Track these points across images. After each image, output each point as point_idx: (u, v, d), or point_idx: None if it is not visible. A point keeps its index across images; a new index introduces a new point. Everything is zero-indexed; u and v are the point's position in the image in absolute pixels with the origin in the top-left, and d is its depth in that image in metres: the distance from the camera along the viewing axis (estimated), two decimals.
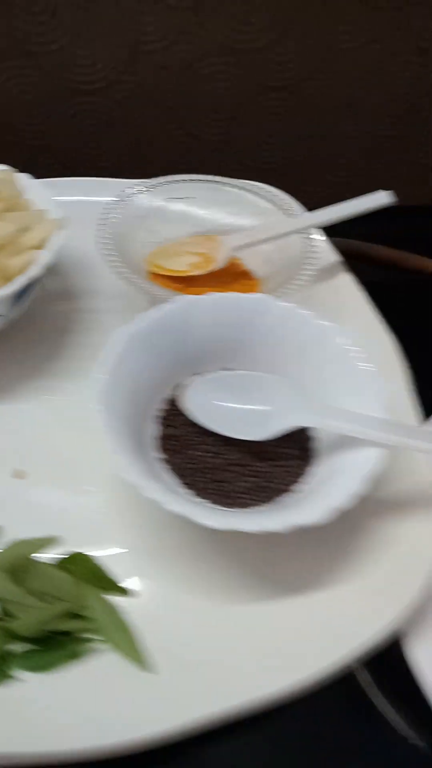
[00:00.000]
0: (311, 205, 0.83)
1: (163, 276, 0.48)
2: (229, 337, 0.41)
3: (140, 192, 0.48)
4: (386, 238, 0.73)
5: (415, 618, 0.35)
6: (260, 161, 0.78)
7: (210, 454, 0.38)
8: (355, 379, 0.38)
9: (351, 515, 0.37)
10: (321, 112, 0.73)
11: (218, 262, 0.48)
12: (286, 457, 0.38)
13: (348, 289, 0.49)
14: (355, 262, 0.71)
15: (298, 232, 0.47)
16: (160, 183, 0.49)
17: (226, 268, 0.49)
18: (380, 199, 0.48)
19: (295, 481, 0.37)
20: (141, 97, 0.70)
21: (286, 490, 0.37)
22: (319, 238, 0.51)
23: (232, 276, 0.49)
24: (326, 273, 0.51)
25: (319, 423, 0.36)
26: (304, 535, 0.35)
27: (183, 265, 0.48)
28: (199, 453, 0.38)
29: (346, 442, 0.36)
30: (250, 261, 0.50)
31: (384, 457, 0.34)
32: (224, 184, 0.50)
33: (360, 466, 0.34)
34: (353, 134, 0.76)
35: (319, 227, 0.48)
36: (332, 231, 0.73)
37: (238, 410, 0.38)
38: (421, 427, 0.37)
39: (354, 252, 0.71)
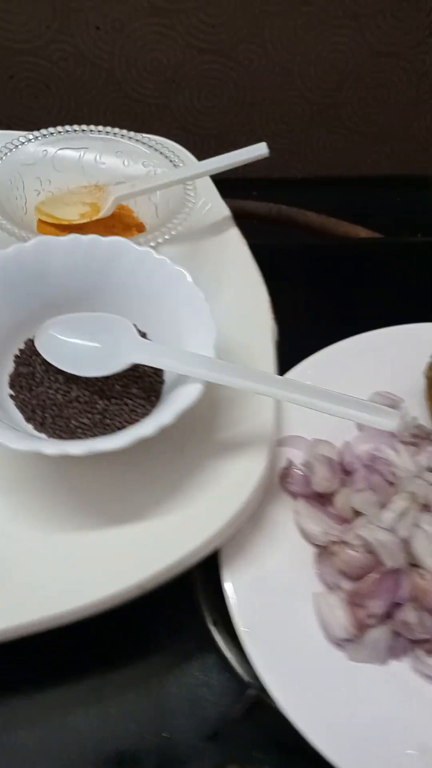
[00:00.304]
0: (253, 172, 0.84)
1: (52, 225, 0.49)
2: (88, 279, 0.42)
3: (29, 141, 0.49)
4: (320, 206, 0.74)
5: (230, 553, 0.36)
6: (201, 127, 0.78)
7: (56, 391, 0.39)
8: (194, 321, 0.39)
9: (192, 451, 0.39)
10: (258, 77, 0.74)
11: (103, 210, 0.49)
12: (130, 397, 0.39)
13: (233, 244, 0.50)
14: (284, 227, 0.72)
15: (181, 182, 0.48)
16: (53, 133, 0.50)
17: (117, 218, 0.50)
18: (258, 150, 0.48)
19: (134, 419, 0.38)
20: (77, 57, 0.71)
21: (123, 427, 0.38)
22: (211, 190, 0.52)
23: (121, 226, 0.50)
24: (215, 227, 0.51)
25: (150, 360, 0.37)
26: (140, 467, 0.37)
27: (72, 214, 0.49)
28: (46, 390, 0.39)
29: (180, 381, 0.37)
30: (142, 212, 0.51)
31: (199, 392, 0.35)
32: (118, 135, 0.51)
33: (177, 401, 0.35)
34: (293, 101, 0.76)
35: (202, 176, 0.48)
36: (262, 196, 0.74)
37: (81, 349, 0.39)
38: (245, 367, 0.38)
39: (284, 218, 0.72)
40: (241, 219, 0.72)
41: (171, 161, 0.50)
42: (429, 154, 0.85)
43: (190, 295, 0.39)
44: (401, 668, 0.34)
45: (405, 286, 0.56)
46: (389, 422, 0.30)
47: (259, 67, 0.73)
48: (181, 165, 0.49)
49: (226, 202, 0.71)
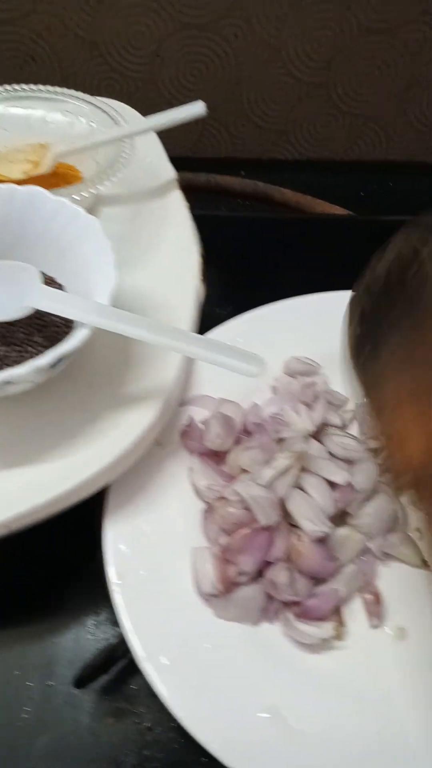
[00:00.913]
0: (242, 152, 0.83)
1: None
2: (7, 228, 0.41)
3: None
4: (311, 190, 0.72)
5: (116, 505, 0.36)
6: (187, 102, 0.77)
7: None
8: (99, 270, 0.38)
9: (89, 402, 0.38)
10: (243, 54, 0.72)
11: (43, 167, 0.48)
12: (32, 345, 0.39)
13: (174, 207, 0.49)
14: (259, 203, 0.71)
15: (117, 139, 0.47)
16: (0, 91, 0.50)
17: (61, 177, 0.50)
18: (195, 108, 0.47)
19: None
20: (60, 28, 0.71)
21: None
22: (158, 151, 0.51)
23: (64, 185, 0.50)
24: (158, 190, 0.51)
25: (46, 306, 0.37)
26: (33, 414, 0.37)
27: (15, 172, 0.49)
28: None
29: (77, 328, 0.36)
30: (86, 171, 0.50)
31: (83, 337, 0.34)
32: (66, 95, 0.50)
33: (62, 346, 0.34)
34: (280, 79, 0.75)
35: (138, 134, 0.47)
36: (251, 177, 0.73)
37: None
38: (132, 314, 0.37)
39: (261, 194, 0.71)
40: (218, 194, 0.72)
41: (115, 121, 0.49)
42: (426, 139, 0.82)
43: (99, 245, 0.39)
44: (272, 631, 0.32)
45: (348, 260, 0.55)
46: (251, 368, 0.29)
47: (243, 43, 0.72)
48: (124, 124, 0.49)
49: (203, 177, 0.70)
